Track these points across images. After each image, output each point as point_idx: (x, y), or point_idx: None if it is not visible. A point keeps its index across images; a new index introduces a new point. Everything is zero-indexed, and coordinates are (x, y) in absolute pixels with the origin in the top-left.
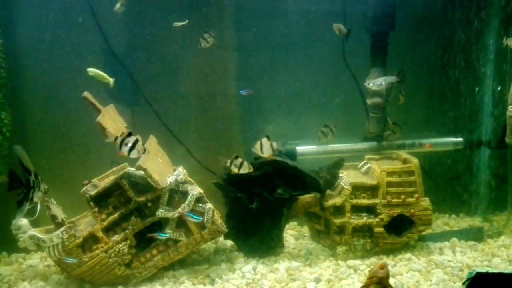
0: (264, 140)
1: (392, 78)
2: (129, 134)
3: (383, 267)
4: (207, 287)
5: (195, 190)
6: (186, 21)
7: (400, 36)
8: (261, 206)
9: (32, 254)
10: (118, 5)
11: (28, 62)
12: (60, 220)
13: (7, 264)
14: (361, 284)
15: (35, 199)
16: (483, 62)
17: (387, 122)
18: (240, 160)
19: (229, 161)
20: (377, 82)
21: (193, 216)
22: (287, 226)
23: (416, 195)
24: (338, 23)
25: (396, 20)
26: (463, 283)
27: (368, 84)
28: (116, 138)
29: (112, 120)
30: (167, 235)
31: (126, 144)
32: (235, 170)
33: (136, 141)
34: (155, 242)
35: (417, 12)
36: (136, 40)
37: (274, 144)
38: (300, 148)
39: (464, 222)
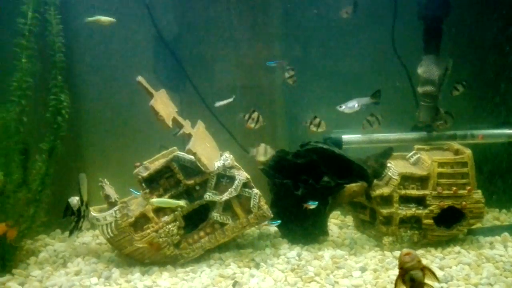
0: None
1: (366, 100)
2: (253, 111)
3: (408, 253)
4: (253, 270)
5: (242, 175)
6: (233, 98)
7: (454, 22)
8: (306, 194)
9: (85, 232)
10: None
11: (83, 48)
12: (113, 200)
13: (61, 241)
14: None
15: (83, 228)
16: None
17: (439, 112)
18: (318, 119)
19: (308, 121)
20: (349, 105)
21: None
22: (330, 215)
23: (468, 187)
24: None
25: (451, 4)
26: None
27: (340, 107)
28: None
29: (163, 105)
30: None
31: (253, 119)
32: (313, 129)
33: (259, 116)
34: (202, 224)
35: None
36: (186, 28)
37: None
38: (346, 137)
39: None
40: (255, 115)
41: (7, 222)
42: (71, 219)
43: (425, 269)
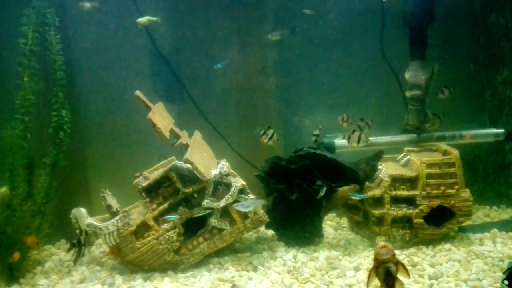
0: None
1: (261, 201)
2: (269, 128)
3: (384, 246)
4: (250, 273)
5: (238, 182)
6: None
7: (439, 27)
8: (301, 198)
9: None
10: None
11: (83, 65)
12: (115, 210)
13: (66, 250)
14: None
15: (86, 254)
16: None
17: (427, 114)
18: (358, 133)
19: (347, 136)
20: (245, 205)
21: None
22: (326, 217)
23: (456, 187)
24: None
25: (435, 11)
26: (504, 272)
27: (236, 206)
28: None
29: (161, 117)
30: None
31: (267, 135)
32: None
33: (273, 133)
34: (201, 230)
35: (456, 3)
36: (181, 41)
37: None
38: (339, 141)
39: (505, 213)
40: (270, 132)
41: (31, 237)
42: (73, 252)
43: (398, 264)
